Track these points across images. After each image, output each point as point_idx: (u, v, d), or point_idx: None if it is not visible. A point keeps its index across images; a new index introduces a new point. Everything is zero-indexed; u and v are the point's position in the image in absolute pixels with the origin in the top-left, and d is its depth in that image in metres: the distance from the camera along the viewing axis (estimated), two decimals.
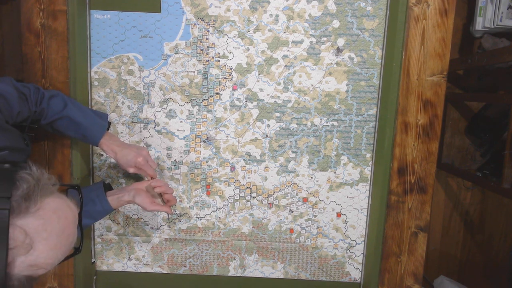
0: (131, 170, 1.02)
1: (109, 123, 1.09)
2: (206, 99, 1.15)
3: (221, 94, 1.15)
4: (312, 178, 1.18)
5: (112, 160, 1.17)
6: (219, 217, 1.21)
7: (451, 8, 1.06)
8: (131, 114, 1.15)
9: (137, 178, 1.18)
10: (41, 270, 0.60)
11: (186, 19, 1.11)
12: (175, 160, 1.18)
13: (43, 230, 0.58)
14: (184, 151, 1.17)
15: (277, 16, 1.11)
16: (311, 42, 1.12)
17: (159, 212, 1.20)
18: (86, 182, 1.17)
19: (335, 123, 1.15)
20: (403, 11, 1.06)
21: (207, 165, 1.18)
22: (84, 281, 1.20)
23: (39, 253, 0.58)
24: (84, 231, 1.06)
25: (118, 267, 1.24)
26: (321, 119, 1.15)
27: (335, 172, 1.18)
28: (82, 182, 1.15)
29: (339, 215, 1.20)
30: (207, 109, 1.15)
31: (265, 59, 1.13)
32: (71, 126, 0.96)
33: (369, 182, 1.18)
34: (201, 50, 1.12)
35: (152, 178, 1.05)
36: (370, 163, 1.17)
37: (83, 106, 1.02)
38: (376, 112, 1.14)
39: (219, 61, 1.13)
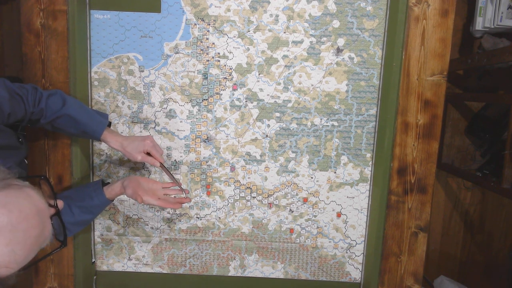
0: (139, 158, 0.99)
1: (110, 123, 1.09)
2: (206, 99, 1.15)
3: (221, 94, 1.15)
4: (312, 178, 1.18)
5: (112, 160, 1.17)
6: (219, 217, 1.21)
7: (451, 8, 1.06)
8: (131, 114, 1.15)
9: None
10: (5, 270, 0.57)
11: (186, 19, 1.11)
12: (175, 160, 1.18)
13: None
14: (184, 151, 1.17)
15: (277, 16, 1.11)
16: (311, 42, 1.12)
17: (159, 212, 1.20)
18: (86, 182, 1.16)
19: (335, 123, 1.15)
20: (403, 11, 1.06)
21: (207, 165, 1.18)
22: (84, 281, 1.20)
23: None
24: (84, 227, 1.07)
25: (118, 267, 1.24)
26: (321, 119, 1.15)
27: (335, 172, 1.18)
28: (82, 182, 1.15)
29: (339, 215, 1.20)
30: (207, 109, 1.15)
31: (265, 59, 1.13)
32: (71, 123, 0.96)
33: (369, 182, 1.18)
34: (201, 50, 1.12)
35: (160, 164, 1.02)
36: (370, 163, 1.17)
37: (83, 104, 1.03)
38: (376, 112, 1.14)
39: (219, 61, 1.13)
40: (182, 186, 1.14)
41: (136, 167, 1.18)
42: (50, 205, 0.67)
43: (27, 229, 0.58)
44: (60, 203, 0.70)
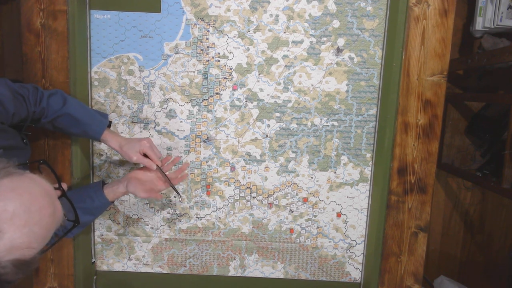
0: (134, 158, 0.98)
1: (110, 122, 1.09)
2: (206, 99, 1.15)
3: (221, 94, 1.15)
4: (312, 178, 1.18)
5: (112, 160, 1.17)
6: (219, 217, 1.21)
7: (451, 8, 1.06)
8: (131, 114, 1.15)
9: None
10: (27, 250, 0.58)
11: (186, 19, 1.11)
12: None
13: (3, 211, 0.56)
14: (184, 151, 1.17)
15: (277, 16, 1.11)
16: (311, 42, 1.12)
17: (159, 212, 1.20)
18: (86, 182, 1.16)
19: (335, 123, 1.15)
20: (403, 11, 1.06)
21: (207, 165, 1.18)
22: (84, 281, 1.20)
23: (11, 235, 0.56)
24: (84, 228, 1.07)
25: (118, 267, 1.24)
26: (321, 119, 1.15)
27: (335, 172, 1.18)
28: (82, 182, 1.15)
29: (339, 215, 1.20)
30: (207, 109, 1.15)
31: (265, 59, 1.13)
32: (72, 123, 0.97)
33: (369, 182, 1.18)
34: (201, 50, 1.12)
35: (157, 166, 1.02)
36: (370, 163, 1.17)
37: (84, 104, 1.03)
38: (376, 112, 1.14)
39: (219, 61, 1.13)
40: (178, 190, 1.15)
41: (137, 167, 1.18)
42: (55, 188, 0.68)
43: (40, 209, 0.60)
44: (65, 185, 0.71)
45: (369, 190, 1.18)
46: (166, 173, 1.05)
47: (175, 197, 1.19)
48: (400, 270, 1.18)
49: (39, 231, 0.59)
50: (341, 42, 1.11)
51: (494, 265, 2.04)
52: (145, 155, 1.01)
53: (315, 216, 1.20)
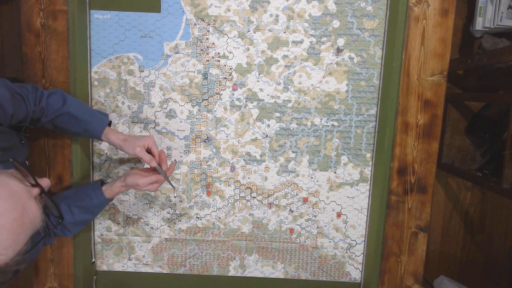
0: (138, 149, 0.96)
1: (110, 122, 1.09)
2: (206, 99, 1.15)
3: (221, 94, 1.15)
4: (312, 178, 1.18)
5: (112, 160, 1.17)
6: (219, 217, 1.21)
7: (451, 8, 1.06)
8: (131, 114, 1.15)
9: None
10: None
11: (186, 19, 1.11)
12: (175, 160, 1.18)
13: None
14: (184, 151, 1.17)
15: (277, 16, 1.11)
16: (311, 42, 1.12)
17: (159, 212, 1.20)
18: (86, 182, 1.16)
19: (335, 123, 1.15)
20: (403, 11, 1.06)
21: (207, 165, 1.18)
22: (84, 281, 1.20)
23: None
24: (83, 228, 1.07)
25: (118, 267, 1.24)
26: (321, 119, 1.15)
27: (335, 172, 1.18)
28: (82, 182, 1.15)
29: (339, 215, 1.20)
30: (207, 109, 1.15)
31: (265, 59, 1.13)
32: (72, 122, 0.97)
33: (369, 182, 1.18)
34: (201, 50, 1.12)
35: (157, 164, 1.00)
36: (370, 163, 1.17)
37: (84, 103, 1.03)
38: (376, 112, 1.14)
39: (219, 61, 1.13)
40: (175, 186, 1.17)
41: (136, 168, 1.18)
42: (32, 185, 0.66)
43: (3, 213, 0.57)
44: (45, 181, 0.68)
45: (369, 190, 1.18)
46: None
47: (175, 197, 1.19)
48: (400, 270, 1.18)
49: (4, 237, 0.57)
50: (341, 42, 1.11)
51: (494, 265, 2.04)
52: (147, 152, 1.01)
53: (315, 216, 1.20)
